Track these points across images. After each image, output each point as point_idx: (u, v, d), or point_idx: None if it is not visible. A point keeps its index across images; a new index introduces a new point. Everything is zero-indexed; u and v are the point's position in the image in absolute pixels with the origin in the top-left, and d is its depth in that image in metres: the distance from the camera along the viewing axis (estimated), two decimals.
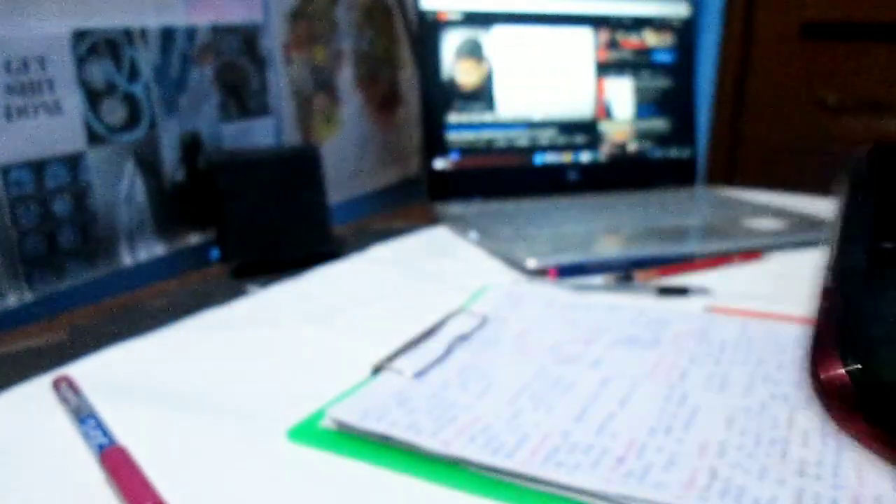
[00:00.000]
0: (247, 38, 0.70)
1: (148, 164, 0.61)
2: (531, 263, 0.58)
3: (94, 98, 0.56)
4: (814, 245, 0.63)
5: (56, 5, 0.53)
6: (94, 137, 0.56)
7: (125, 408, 0.37)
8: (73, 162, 0.55)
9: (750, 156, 1.31)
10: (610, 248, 0.64)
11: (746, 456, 0.32)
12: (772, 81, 1.23)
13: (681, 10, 0.87)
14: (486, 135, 0.80)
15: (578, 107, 0.83)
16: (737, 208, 0.76)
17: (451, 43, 0.78)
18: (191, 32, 0.64)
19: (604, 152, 0.84)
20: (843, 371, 0.21)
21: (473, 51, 0.79)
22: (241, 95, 0.70)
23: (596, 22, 0.83)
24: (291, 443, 0.34)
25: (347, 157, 0.85)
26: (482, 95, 0.80)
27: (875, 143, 0.37)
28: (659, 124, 0.86)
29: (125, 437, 0.34)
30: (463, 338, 0.45)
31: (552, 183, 0.82)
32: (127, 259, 0.60)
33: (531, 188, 0.82)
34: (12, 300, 0.52)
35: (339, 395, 0.38)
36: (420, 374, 0.40)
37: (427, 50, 0.78)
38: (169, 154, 0.63)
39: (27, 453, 0.34)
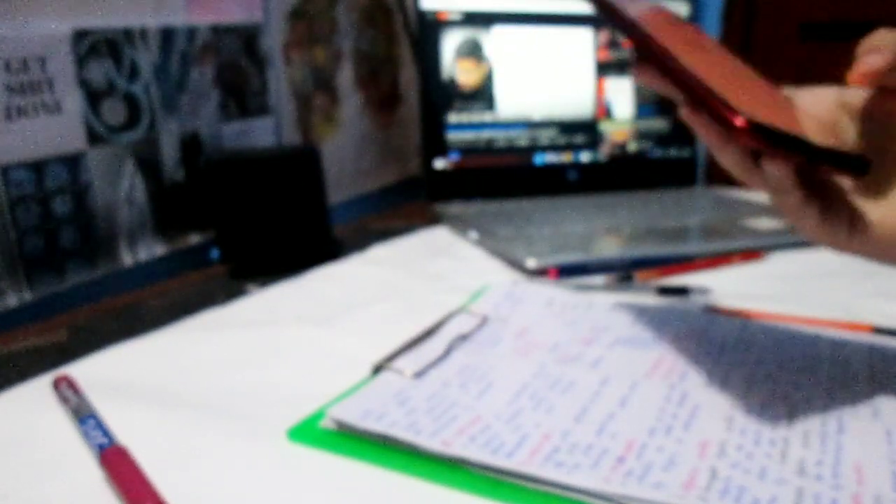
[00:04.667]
0: (247, 38, 0.70)
1: (148, 164, 0.61)
2: (531, 263, 0.58)
3: (94, 98, 0.56)
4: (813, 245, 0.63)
5: (56, 5, 0.53)
6: (94, 137, 0.56)
7: (125, 408, 0.37)
8: (73, 162, 0.55)
9: None
10: (610, 248, 0.64)
11: (746, 456, 0.32)
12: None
13: (681, 11, 0.87)
14: (486, 135, 0.80)
15: (578, 107, 0.83)
16: (737, 208, 0.76)
17: (451, 43, 0.78)
18: (191, 32, 0.64)
19: (604, 152, 0.84)
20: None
21: (473, 51, 0.79)
22: (241, 95, 0.70)
23: (596, 22, 0.83)
24: (291, 443, 0.34)
25: (347, 157, 0.85)
26: (482, 95, 0.80)
27: None
28: (659, 124, 0.86)
29: (125, 437, 0.34)
30: (463, 338, 0.45)
31: (552, 183, 0.83)
32: (127, 259, 0.60)
33: (531, 188, 0.82)
34: (12, 300, 0.52)
35: (339, 395, 0.38)
36: (420, 374, 0.40)
37: (427, 50, 0.78)
38: (169, 154, 0.63)
39: (27, 453, 0.34)
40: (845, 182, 0.36)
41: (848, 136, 0.37)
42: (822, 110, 0.37)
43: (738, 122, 0.30)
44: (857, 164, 0.32)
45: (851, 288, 0.54)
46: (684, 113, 0.33)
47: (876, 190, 0.35)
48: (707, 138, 0.33)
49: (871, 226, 0.34)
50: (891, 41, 0.33)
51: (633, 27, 0.34)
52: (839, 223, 0.35)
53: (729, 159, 0.34)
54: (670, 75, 0.33)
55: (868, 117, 0.36)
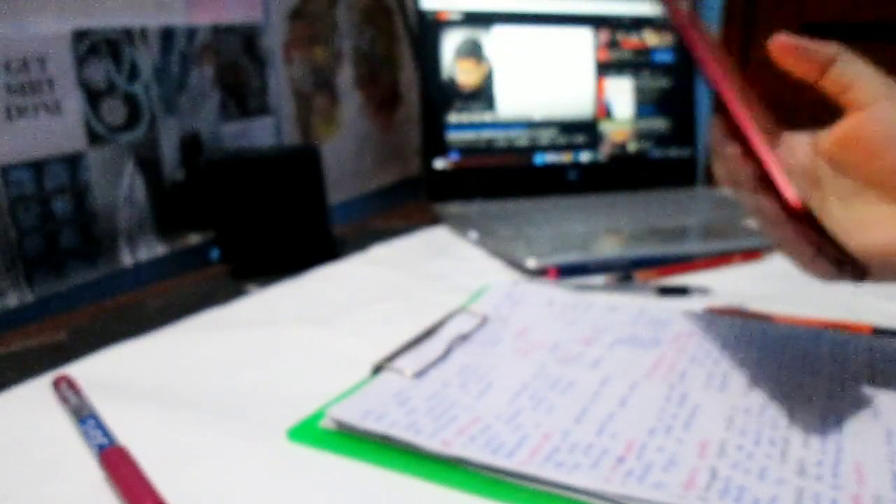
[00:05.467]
0: (247, 38, 0.70)
1: (148, 164, 0.61)
2: (531, 263, 0.58)
3: (94, 98, 0.56)
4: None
5: (56, 5, 0.53)
6: (94, 137, 0.56)
7: (125, 408, 0.37)
8: (73, 162, 0.55)
9: None
10: (610, 248, 0.64)
11: (746, 456, 0.32)
12: (772, 81, 1.23)
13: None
14: (486, 135, 0.80)
15: (578, 107, 0.83)
16: (737, 208, 0.76)
17: (451, 43, 0.78)
18: (191, 32, 0.64)
19: (604, 152, 0.84)
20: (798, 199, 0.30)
21: (473, 51, 0.79)
22: (241, 95, 0.70)
23: (596, 22, 0.83)
24: (291, 443, 0.34)
25: (347, 157, 0.85)
26: (482, 95, 0.80)
27: None
28: (659, 124, 0.86)
29: (125, 437, 0.34)
30: (463, 338, 0.45)
31: (552, 183, 0.82)
32: (127, 259, 0.60)
33: (531, 188, 0.82)
34: (12, 300, 0.52)
35: (339, 395, 0.38)
36: (420, 374, 0.40)
37: (427, 50, 0.78)
38: (169, 154, 0.63)
39: (27, 453, 0.34)
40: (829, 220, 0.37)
41: (825, 180, 0.38)
42: (800, 158, 0.38)
43: (795, 204, 0.31)
44: (858, 269, 0.33)
45: (851, 288, 0.54)
46: (750, 186, 0.34)
47: (852, 222, 0.36)
48: (761, 212, 0.34)
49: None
50: (829, 49, 0.36)
51: (717, 83, 0.35)
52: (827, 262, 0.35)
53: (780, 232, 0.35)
54: (743, 143, 0.33)
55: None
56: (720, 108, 0.34)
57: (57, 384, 0.39)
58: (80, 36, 0.55)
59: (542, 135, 0.82)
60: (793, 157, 0.38)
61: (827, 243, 0.32)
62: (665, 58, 0.86)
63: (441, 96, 0.78)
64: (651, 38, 0.86)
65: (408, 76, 0.93)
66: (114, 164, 0.58)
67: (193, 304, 0.52)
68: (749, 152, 0.33)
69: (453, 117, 0.79)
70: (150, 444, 0.34)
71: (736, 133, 0.34)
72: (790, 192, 0.31)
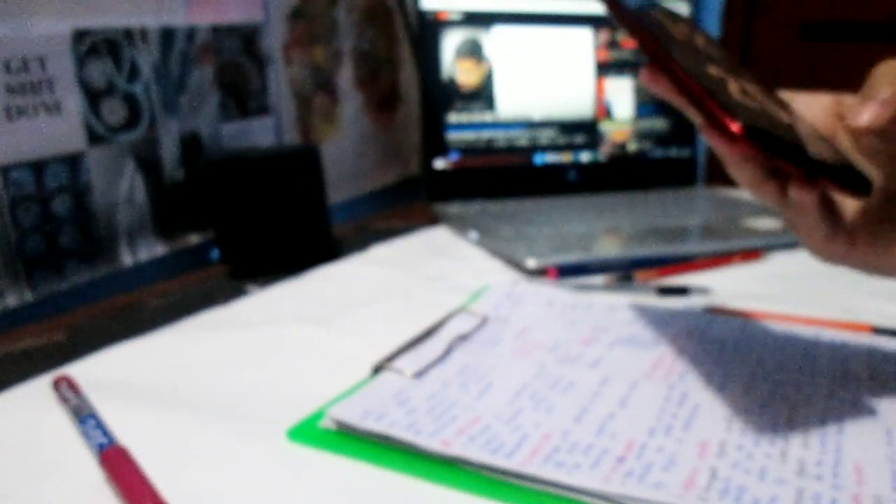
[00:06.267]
0: (247, 38, 0.70)
1: (148, 164, 0.61)
2: (531, 263, 0.58)
3: (94, 98, 0.56)
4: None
5: (56, 5, 0.53)
6: (94, 137, 0.56)
7: (125, 408, 0.37)
8: (73, 162, 0.55)
9: None
10: (610, 248, 0.64)
11: (746, 456, 0.32)
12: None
13: (681, 10, 0.87)
14: (486, 135, 0.80)
15: (578, 107, 0.83)
16: (737, 208, 0.76)
17: (451, 43, 0.78)
18: (191, 32, 0.64)
19: (604, 152, 0.84)
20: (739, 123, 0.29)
21: (473, 51, 0.79)
22: (241, 95, 0.70)
23: (596, 22, 0.83)
24: (291, 443, 0.34)
25: (347, 157, 0.85)
26: (482, 95, 0.80)
27: None
28: (659, 124, 0.86)
29: (125, 437, 0.34)
30: (463, 338, 0.45)
31: (552, 183, 0.83)
32: (127, 259, 0.60)
33: (531, 188, 0.82)
34: (12, 300, 0.52)
35: (339, 395, 0.38)
36: (420, 374, 0.40)
37: (427, 50, 0.78)
38: (169, 154, 0.63)
39: (27, 453, 0.34)
40: (840, 197, 0.35)
41: (844, 146, 0.36)
42: (817, 118, 0.36)
43: (735, 127, 0.29)
44: (859, 182, 0.31)
45: (851, 288, 0.54)
46: (700, 127, 0.33)
47: (870, 204, 0.35)
48: (722, 154, 0.33)
49: (867, 240, 0.34)
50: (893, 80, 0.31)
51: (642, 29, 0.33)
52: (839, 238, 0.34)
53: (744, 176, 0.33)
54: (674, 79, 0.32)
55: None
56: (661, 67, 0.33)
57: (57, 384, 0.39)
58: (80, 36, 0.55)
59: (542, 135, 0.82)
60: (810, 115, 0.36)
61: (800, 162, 0.29)
62: None
63: (441, 96, 0.78)
64: None
65: (408, 76, 0.93)
66: (114, 164, 0.58)
67: (193, 304, 0.52)
68: (693, 100, 0.32)
69: (453, 117, 0.79)
70: (150, 444, 0.34)
71: (679, 86, 0.32)
72: (727, 117, 0.29)
